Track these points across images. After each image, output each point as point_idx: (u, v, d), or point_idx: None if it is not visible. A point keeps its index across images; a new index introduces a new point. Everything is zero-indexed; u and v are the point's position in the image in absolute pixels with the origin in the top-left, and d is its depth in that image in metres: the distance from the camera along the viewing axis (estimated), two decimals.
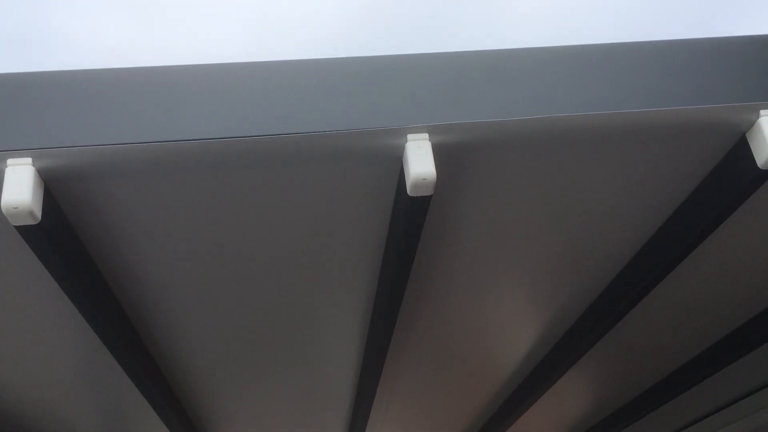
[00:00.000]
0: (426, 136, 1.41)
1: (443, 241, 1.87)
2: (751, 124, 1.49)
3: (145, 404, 2.57)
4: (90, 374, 2.31)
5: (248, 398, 3.05)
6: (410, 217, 1.51)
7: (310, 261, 1.87)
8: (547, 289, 2.29)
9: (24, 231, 1.35)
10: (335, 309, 2.23)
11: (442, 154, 1.46)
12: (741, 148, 1.53)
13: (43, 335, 2.00)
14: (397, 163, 1.49)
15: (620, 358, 2.97)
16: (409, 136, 1.41)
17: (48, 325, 1.94)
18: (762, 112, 1.47)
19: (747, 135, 1.51)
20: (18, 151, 1.30)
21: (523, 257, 2.02)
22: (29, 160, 1.31)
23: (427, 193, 1.42)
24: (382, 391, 3.08)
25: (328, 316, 2.28)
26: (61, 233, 1.46)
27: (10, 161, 1.30)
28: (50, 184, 1.38)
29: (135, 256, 1.71)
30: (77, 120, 1.34)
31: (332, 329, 2.41)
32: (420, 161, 1.39)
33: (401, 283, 1.85)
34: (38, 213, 1.31)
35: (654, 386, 3.27)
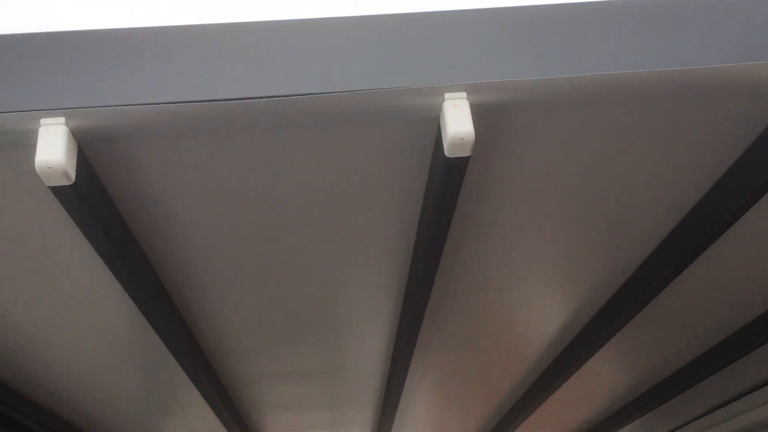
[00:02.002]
0: (464, 94, 1.37)
1: (476, 209, 1.83)
2: None
3: (180, 371, 2.60)
4: (124, 338, 2.33)
5: (277, 375, 3.06)
6: (447, 180, 1.48)
7: (342, 230, 1.85)
8: (579, 264, 2.25)
9: (58, 192, 1.34)
10: (367, 280, 2.21)
11: (479, 115, 1.42)
12: None
13: (79, 299, 2.01)
14: (433, 123, 1.45)
15: (654, 335, 2.92)
16: (447, 95, 1.37)
17: (84, 289, 1.95)
18: None
19: None
20: (51, 111, 1.29)
21: (557, 227, 1.98)
22: (62, 119, 1.29)
23: (465, 154, 1.38)
24: (414, 371, 3.08)
25: (360, 287, 2.27)
26: (95, 194, 1.45)
27: (43, 121, 1.29)
28: (83, 145, 1.37)
29: (166, 219, 1.70)
30: (111, 79, 1.31)
31: (364, 302, 2.40)
32: (458, 120, 1.35)
33: (437, 251, 1.83)
34: (72, 173, 1.30)
35: (687, 365, 3.22)
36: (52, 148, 1.27)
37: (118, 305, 2.04)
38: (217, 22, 1.35)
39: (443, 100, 1.37)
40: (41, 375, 2.58)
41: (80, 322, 2.14)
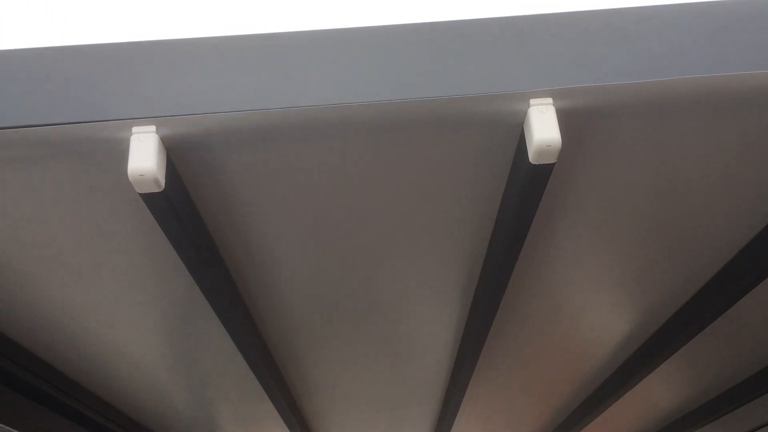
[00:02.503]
0: (550, 100, 1.35)
1: (548, 219, 1.80)
2: None
3: (253, 380, 2.65)
4: (199, 344, 2.38)
5: (339, 377, 3.08)
6: (530, 187, 1.46)
7: (415, 236, 1.84)
8: (648, 277, 2.20)
9: (147, 198, 1.37)
10: (437, 286, 2.20)
11: (564, 120, 1.39)
12: None
13: (159, 303, 2.06)
14: (515, 129, 1.43)
15: (721, 348, 2.84)
16: (532, 101, 1.35)
17: (165, 293, 1.99)
18: None
19: None
20: (143, 119, 1.31)
21: (632, 235, 1.93)
22: (153, 128, 1.32)
23: (551, 161, 1.36)
24: (476, 377, 3.06)
25: (428, 293, 2.26)
26: (182, 201, 1.48)
27: (135, 129, 1.32)
28: (171, 152, 1.40)
29: (245, 225, 1.72)
30: (199, 87, 1.34)
31: (430, 308, 2.40)
32: (544, 127, 1.33)
33: (511, 259, 1.80)
34: (162, 180, 1.32)
35: (753, 376, 3.12)
36: (144, 155, 1.30)
37: (196, 310, 2.08)
38: (303, 30, 1.35)
39: (528, 106, 1.35)
40: (112, 376, 2.65)
41: (158, 326, 2.19)
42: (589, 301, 2.43)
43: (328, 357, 2.79)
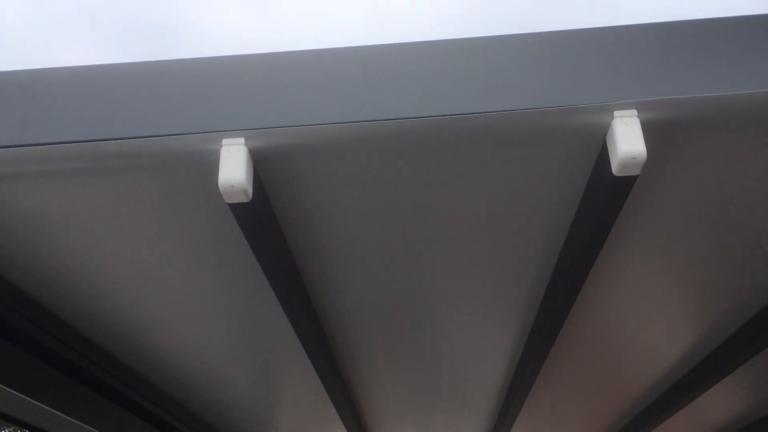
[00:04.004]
0: (634, 112, 1.34)
1: (624, 231, 1.78)
2: None
3: (319, 385, 2.69)
4: (274, 349, 2.42)
5: (397, 380, 3.10)
6: (611, 199, 1.45)
7: (487, 245, 1.84)
8: (715, 290, 2.16)
9: (235, 208, 1.41)
10: (503, 292, 2.20)
11: (648, 132, 1.38)
12: None
13: (236, 310, 2.11)
14: (595, 141, 1.43)
15: None
16: (616, 113, 1.35)
17: (242, 300, 2.04)
18: None
19: None
20: (232, 131, 1.35)
21: (701, 251, 1.90)
22: (242, 139, 1.36)
23: (635, 173, 1.35)
24: (536, 383, 3.04)
25: (493, 301, 2.26)
26: (265, 211, 1.51)
27: (225, 141, 1.36)
28: (256, 163, 1.43)
29: (322, 236, 1.75)
30: (287, 100, 1.37)
31: (491, 320, 2.40)
32: (629, 139, 1.32)
33: (584, 270, 1.79)
34: (250, 191, 1.36)
35: None
36: (234, 167, 1.33)
37: (271, 318, 2.13)
38: (390, 43, 1.38)
39: (612, 117, 1.35)
40: (185, 374, 2.72)
41: (235, 331, 2.24)
42: (653, 316, 2.40)
43: (387, 361, 2.81)
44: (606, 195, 1.44)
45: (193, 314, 2.12)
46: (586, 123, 1.37)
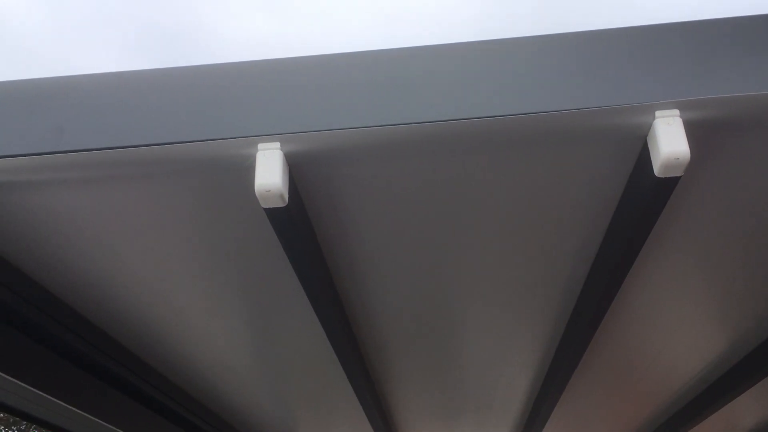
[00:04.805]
0: (676, 112, 1.31)
1: (663, 232, 1.75)
2: None
3: (348, 388, 2.68)
4: (303, 349, 2.42)
5: (425, 380, 3.08)
6: (652, 200, 1.42)
7: (520, 248, 1.82)
8: (741, 304, 2.13)
9: (271, 213, 1.40)
10: (532, 304, 2.18)
11: (690, 133, 1.35)
12: None
13: (268, 313, 2.11)
14: (635, 142, 1.40)
15: None
16: (657, 113, 1.32)
17: (275, 303, 2.04)
18: None
19: None
20: (268, 136, 1.34)
21: (740, 254, 1.87)
22: (278, 144, 1.35)
23: (678, 174, 1.32)
24: (569, 386, 3.01)
25: (521, 311, 2.25)
26: (300, 215, 1.50)
27: (260, 145, 1.35)
28: (292, 168, 1.42)
29: (353, 239, 1.74)
30: (322, 104, 1.36)
31: (523, 328, 2.39)
32: (671, 139, 1.29)
33: (620, 277, 1.76)
34: (286, 196, 1.35)
35: None
36: (270, 171, 1.32)
37: (301, 320, 2.12)
38: (428, 45, 1.36)
39: (654, 118, 1.32)
40: (213, 377, 2.72)
41: (266, 335, 2.24)
42: (686, 319, 2.37)
43: (416, 363, 2.80)
44: (647, 197, 1.41)
45: (223, 319, 2.12)
46: (626, 124, 1.35)
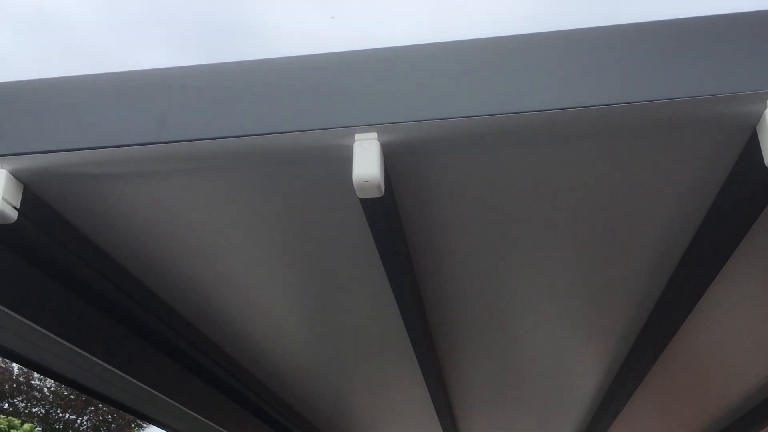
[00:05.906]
0: None
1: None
2: None
3: (422, 384, 2.70)
4: (380, 344, 2.44)
5: (493, 379, 3.07)
6: (758, 193, 1.37)
7: (603, 238, 1.78)
8: None
9: (366, 204, 1.40)
10: (607, 305, 2.15)
11: None
12: None
13: (350, 305, 2.13)
14: (744, 132, 1.35)
15: None
16: None
17: (361, 297, 2.06)
18: None
19: None
20: (365, 126, 1.34)
21: None
22: (375, 134, 1.34)
23: None
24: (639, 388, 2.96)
25: (594, 313, 2.21)
26: (392, 205, 1.50)
27: (357, 136, 1.35)
28: (386, 159, 1.42)
29: (434, 231, 1.73)
30: (419, 94, 1.35)
31: (594, 331, 2.35)
32: None
33: (707, 279, 1.71)
34: (383, 186, 1.34)
35: None
36: (368, 162, 1.32)
37: (381, 314, 2.13)
38: (525, 33, 1.34)
39: (766, 107, 1.27)
40: (287, 370, 2.77)
41: (346, 324, 2.26)
42: (742, 337, 2.31)
43: (484, 359, 2.79)
44: (756, 188, 1.36)
45: (307, 317, 2.15)
46: (735, 112, 1.30)
